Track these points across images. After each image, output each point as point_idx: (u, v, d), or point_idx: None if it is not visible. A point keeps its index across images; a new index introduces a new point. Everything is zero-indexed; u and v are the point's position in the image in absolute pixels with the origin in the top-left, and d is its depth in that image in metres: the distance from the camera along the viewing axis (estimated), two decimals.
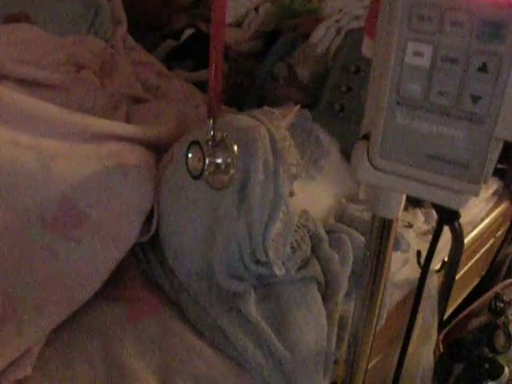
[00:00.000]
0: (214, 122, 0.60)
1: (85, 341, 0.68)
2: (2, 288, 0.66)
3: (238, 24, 1.59)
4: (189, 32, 1.49)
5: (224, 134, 0.60)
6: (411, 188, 0.44)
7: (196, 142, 0.60)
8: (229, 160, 0.60)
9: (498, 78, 0.36)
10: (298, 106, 0.84)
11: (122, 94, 1.12)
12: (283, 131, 0.75)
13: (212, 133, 0.60)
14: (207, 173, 0.60)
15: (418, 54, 0.39)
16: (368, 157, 0.44)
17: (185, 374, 0.66)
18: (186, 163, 0.62)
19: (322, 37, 1.18)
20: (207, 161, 0.59)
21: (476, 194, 0.41)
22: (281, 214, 0.72)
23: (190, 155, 0.61)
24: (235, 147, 0.61)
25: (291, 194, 0.76)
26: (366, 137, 0.45)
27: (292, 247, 0.76)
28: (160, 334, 0.71)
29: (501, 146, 0.39)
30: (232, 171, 0.61)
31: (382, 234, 0.58)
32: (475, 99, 0.38)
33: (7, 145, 0.71)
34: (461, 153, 0.40)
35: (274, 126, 0.75)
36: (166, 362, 0.67)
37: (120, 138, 0.83)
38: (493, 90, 0.37)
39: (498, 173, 0.40)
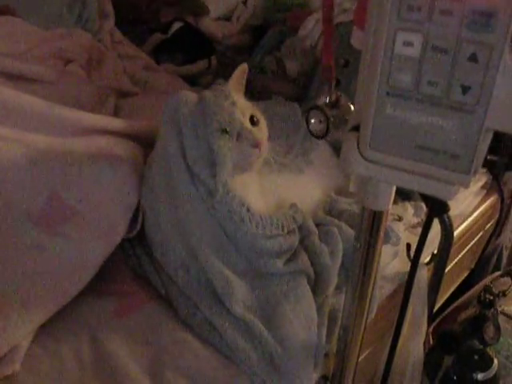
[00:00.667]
0: (330, 86, 0.67)
1: (73, 336, 0.68)
2: None
3: (227, 18, 1.59)
4: (177, 26, 1.48)
5: (338, 94, 0.67)
6: (402, 179, 0.44)
7: (315, 107, 0.66)
8: (347, 117, 0.65)
9: (487, 68, 0.36)
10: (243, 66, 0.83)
11: (109, 87, 1.12)
12: (223, 91, 0.76)
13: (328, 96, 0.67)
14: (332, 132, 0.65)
15: (407, 43, 0.38)
16: (358, 148, 0.44)
17: (174, 368, 0.66)
18: (308, 127, 0.67)
19: (311, 30, 1.18)
20: (330, 120, 0.65)
21: (466, 185, 0.41)
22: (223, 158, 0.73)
23: (312, 120, 0.66)
24: (351, 105, 0.66)
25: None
26: (356, 128, 0.44)
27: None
28: (149, 329, 0.71)
29: (491, 136, 0.39)
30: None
31: (371, 226, 0.58)
32: (465, 89, 0.38)
33: None
34: (451, 143, 0.40)
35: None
36: (155, 356, 0.67)
37: (108, 132, 0.82)
38: (483, 80, 0.37)
39: (487, 165, 0.40)
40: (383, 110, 0.41)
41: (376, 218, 0.57)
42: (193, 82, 1.38)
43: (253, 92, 1.30)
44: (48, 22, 1.19)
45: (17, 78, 0.97)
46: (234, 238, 0.74)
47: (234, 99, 0.75)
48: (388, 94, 0.40)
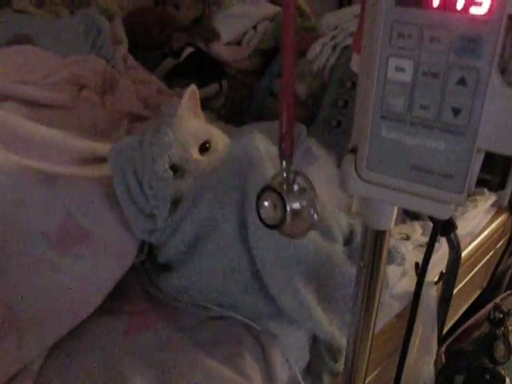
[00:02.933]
0: (286, 164, 0.50)
1: (84, 355, 0.69)
2: (4, 302, 0.67)
3: (237, 42, 1.62)
4: (188, 51, 1.51)
5: (300, 177, 0.52)
6: (399, 199, 0.45)
7: (270, 188, 0.51)
8: (306, 204, 0.52)
9: (476, 91, 0.38)
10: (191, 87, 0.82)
11: (122, 112, 1.15)
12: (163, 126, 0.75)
13: (285, 175, 0.51)
14: (288, 220, 0.51)
15: (399, 69, 0.40)
16: (356, 169, 0.45)
17: None
18: (259, 213, 0.52)
19: (319, 53, 1.20)
20: (288, 208, 0.50)
21: (461, 204, 0.42)
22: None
23: (265, 203, 0.51)
24: (311, 190, 0.53)
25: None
26: (354, 150, 0.46)
27: None
28: (159, 347, 0.72)
29: (482, 156, 0.40)
30: (313, 214, 0.52)
31: (375, 246, 0.59)
32: (456, 112, 0.39)
33: (11, 165, 0.73)
34: (444, 164, 0.41)
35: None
36: (165, 375, 0.68)
37: None
38: (472, 102, 0.38)
39: (483, 184, 0.40)
40: (378, 132, 0.43)
41: (379, 237, 0.58)
42: (204, 105, 1.40)
43: (263, 114, 1.33)
44: (64, 49, 1.22)
45: (32, 104, 1.01)
46: None
47: (177, 130, 0.75)
48: (382, 117, 0.42)
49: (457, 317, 1.24)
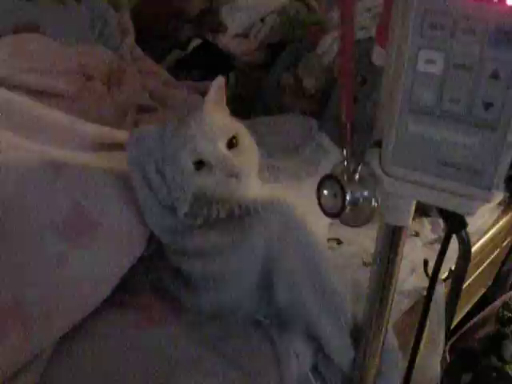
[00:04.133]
0: (347, 153, 0.53)
1: (93, 349, 0.68)
2: (11, 293, 0.66)
3: (245, 35, 1.61)
4: (196, 42, 1.50)
5: (360, 165, 0.52)
6: (423, 194, 0.44)
7: (330, 176, 0.52)
8: (367, 193, 0.52)
9: (509, 85, 0.37)
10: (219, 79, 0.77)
11: (129, 103, 1.13)
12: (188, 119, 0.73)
13: (346, 163, 0.52)
14: (348, 209, 0.51)
15: (430, 61, 0.39)
16: (380, 164, 0.44)
17: None
18: (320, 201, 0.53)
19: (329, 47, 1.19)
20: (348, 196, 0.50)
21: (488, 201, 0.42)
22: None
23: (325, 192, 0.53)
24: (372, 180, 0.51)
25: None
26: (378, 144, 0.45)
27: None
28: (166, 344, 0.71)
29: None
30: (374, 204, 0.52)
31: (391, 241, 0.58)
32: (487, 106, 0.38)
33: (17, 150, 0.72)
34: (473, 159, 0.40)
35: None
36: (169, 372, 0.67)
37: None
38: (504, 96, 0.37)
39: (505, 181, 0.40)
40: (405, 126, 0.42)
41: (396, 233, 0.57)
42: None
43: (270, 108, 1.32)
44: (71, 39, 1.21)
45: (39, 94, 0.99)
46: None
47: (203, 124, 0.71)
48: (410, 110, 0.41)
49: (462, 315, 1.23)
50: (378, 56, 0.55)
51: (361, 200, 0.51)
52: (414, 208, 0.54)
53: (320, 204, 0.54)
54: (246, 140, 0.75)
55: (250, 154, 0.75)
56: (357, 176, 0.51)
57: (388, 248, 0.59)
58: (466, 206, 0.43)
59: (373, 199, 0.51)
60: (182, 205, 0.72)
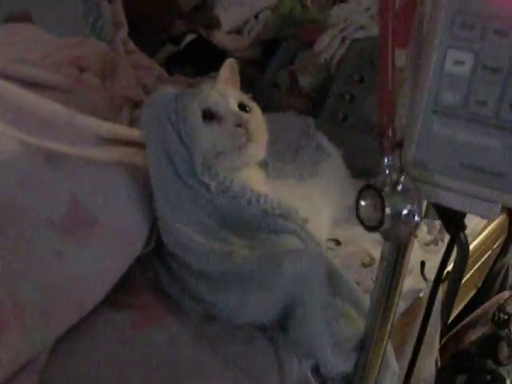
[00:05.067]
0: (389, 160, 0.47)
1: (91, 349, 0.67)
2: (7, 290, 0.64)
3: (238, 31, 1.59)
4: (189, 38, 1.48)
5: (402, 177, 0.47)
6: (444, 197, 0.44)
7: (370, 187, 0.48)
8: (411, 207, 0.47)
9: None
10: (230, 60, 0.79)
11: (123, 97, 1.11)
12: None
13: (387, 172, 0.47)
14: (388, 224, 0.48)
15: (458, 62, 0.38)
16: (400, 165, 0.44)
17: None
18: (358, 212, 0.50)
19: (327, 45, 1.18)
20: (387, 210, 0.47)
21: (510, 204, 0.41)
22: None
23: (362, 202, 0.49)
24: (415, 192, 0.47)
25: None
26: (398, 144, 0.44)
27: None
28: (166, 344, 0.69)
29: None
30: (417, 220, 0.49)
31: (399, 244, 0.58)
32: None
33: (15, 143, 0.70)
34: (497, 163, 0.40)
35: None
36: (169, 373, 0.66)
37: (127, 142, 0.82)
38: None
39: None
40: (429, 127, 0.41)
41: None
42: None
43: (265, 106, 1.31)
44: (63, 30, 1.19)
45: (32, 85, 0.97)
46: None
47: (218, 86, 0.74)
48: (435, 111, 0.41)
49: (453, 316, 1.24)
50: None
51: (402, 213, 0.47)
52: (424, 209, 0.54)
53: (358, 216, 0.50)
54: (255, 110, 0.76)
55: (260, 127, 0.76)
56: (400, 187, 0.47)
57: (396, 250, 0.58)
58: (488, 210, 0.43)
59: (415, 213, 0.47)
60: (196, 158, 0.69)
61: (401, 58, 0.49)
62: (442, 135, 0.41)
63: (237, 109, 0.73)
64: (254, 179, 0.77)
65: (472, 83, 0.38)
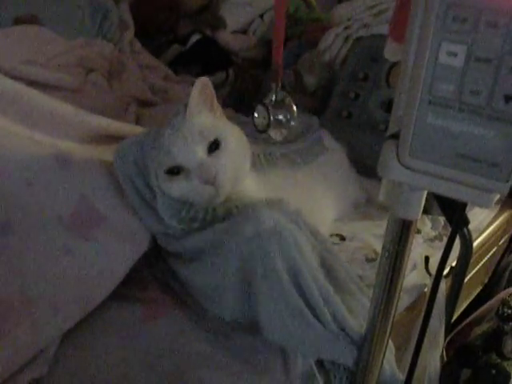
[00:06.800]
0: (276, 85, 0.81)
1: (101, 342, 0.68)
2: (17, 286, 0.65)
3: (243, 31, 1.61)
4: (195, 38, 1.50)
5: (285, 95, 0.78)
6: (440, 186, 0.44)
7: (261, 103, 0.78)
8: (288, 116, 0.80)
9: None
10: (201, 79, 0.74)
11: (130, 96, 1.13)
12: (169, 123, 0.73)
13: (275, 95, 0.81)
14: (272, 127, 0.78)
15: (451, 54, 0.39)
16: (397, 155, 0.45)
17: (192, 378, 0.65)
18: (253, 121, 0.79)
19: (331, 44, 1.19)
20: (272, 117, 0.78)
21: (504, 193, 0.42)
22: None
23: (256, 114, 0.79)
24: (294, 106, 0.81)
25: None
26: (394, 136, 0.45)
27: None
28: (173, 337, 0.70)
29: None
30: (292, 123, 0.82)
31: (400, 235, 0.58)
32: (508, 99, 0.38)
33: (25, 140, 0.71)
34: (491, 152, 0.41)
35: None
36: (175, 365, 0.67)
37: None
38: None
39: None
40: (424, 118, 0.42)
41: (405, 227, 0.58)
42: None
43: None
44: (70, 30, 1.21)
45: (40, 86, 0.99)
46: None
47: (182, 128, 0.71)
48: (430, 102, 0.41)
49: (459, 312, 1.24)
50: (391, 50, 0.55)
51: (283, 121, 0.84)
52: (423, 202, 0.55)
53: (253, 122, 0.83)
54: (232, 141, 0.73)
55: (235, 156, 0.73)
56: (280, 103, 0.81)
57: (397, 242, 0.59)
58: (483, 199, 0.43)
59: (292, 121, 0.85)
60: (162, 211, 0.72)
61: (399, 52, 0.50)
62: (437, 126, 0.42)
63: (204, 157, 0.70)
64: (246, 193, 0.77)
65: (465, 74, 0.39)
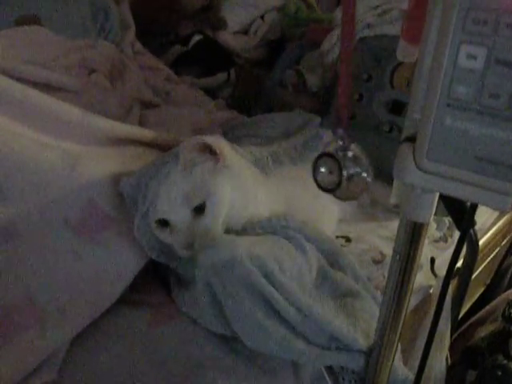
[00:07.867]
0: (343, 131, 0.55)
1: (109, 346, 0.68)
2: (25, 290, 0.65)
3: (244, 32, 1.60)
4: (196, 38, 1.49)
5: (354, 145, 0.56)
6: (457, 190, 0.44)
7: (326, 154, 0.54)
8: (359, 170, 0.55)
9: None
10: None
11: (132, 97, 1.12)
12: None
13: (342, 142, 0.55)
14: (344, 185, 0.54)
15: (471, 56, 0.39)
16: (414, 159, 0.44)
17: (201, 381, 0.65)
18: (315, 177, 0.55)
19: (334, 45, 1.19)
20: (344, 173, 0.53)
21: None
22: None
23: (322, 169, 0.54)
24: (364, 157, 0.56)
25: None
26: (410, 139, 0.45)
27: None
28: (181, 342, 0.70)
29: None
30: (367, 180, 0.56)
31: (412, 238, 0.58)
32: None
33: (32, 143, 0.71)
34: (510, 154, 0.40)
35: None
36: (184, 371, 0.66)
37: (139, 143, 0.83)
38: None
39: None
40: (443, 121, 0.41)
41: (417, 229, 0.57)
42: (214, 94, 1.39)
43: (272, 105, 1.32)
44: (72, 32, 1.20)
45: (42, 87, 0.98)
46: None
47: (172, 187, 0.70)
48: (448, 105, 0.41)
49: (462, 313, 1.24)
50: (402, 52, 0.55)
51: (355, 175, 0.55)
52: (435, 204, 0.54)
53: (316, 180, 0.56)
54: (225, 202, 0.72)
55: (233, 201, 0.73)
56: (350, 153, 0.55)
57: (408, 245, 0.59)
58: (499, 201, 0.43)
59: (365, 174, 0.55)
60: (149, 251, 0.73)
61: (414, 54, 0.50)
62: (455, 128, 0.41)
63: (189, 219, 0.70)
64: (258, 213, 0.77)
65: (484, 77, 0.39)
